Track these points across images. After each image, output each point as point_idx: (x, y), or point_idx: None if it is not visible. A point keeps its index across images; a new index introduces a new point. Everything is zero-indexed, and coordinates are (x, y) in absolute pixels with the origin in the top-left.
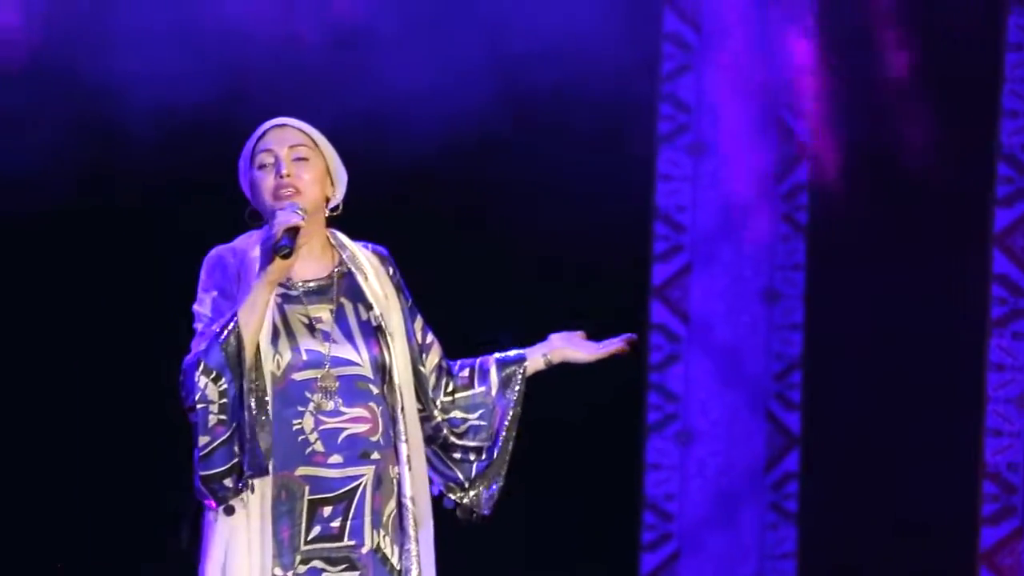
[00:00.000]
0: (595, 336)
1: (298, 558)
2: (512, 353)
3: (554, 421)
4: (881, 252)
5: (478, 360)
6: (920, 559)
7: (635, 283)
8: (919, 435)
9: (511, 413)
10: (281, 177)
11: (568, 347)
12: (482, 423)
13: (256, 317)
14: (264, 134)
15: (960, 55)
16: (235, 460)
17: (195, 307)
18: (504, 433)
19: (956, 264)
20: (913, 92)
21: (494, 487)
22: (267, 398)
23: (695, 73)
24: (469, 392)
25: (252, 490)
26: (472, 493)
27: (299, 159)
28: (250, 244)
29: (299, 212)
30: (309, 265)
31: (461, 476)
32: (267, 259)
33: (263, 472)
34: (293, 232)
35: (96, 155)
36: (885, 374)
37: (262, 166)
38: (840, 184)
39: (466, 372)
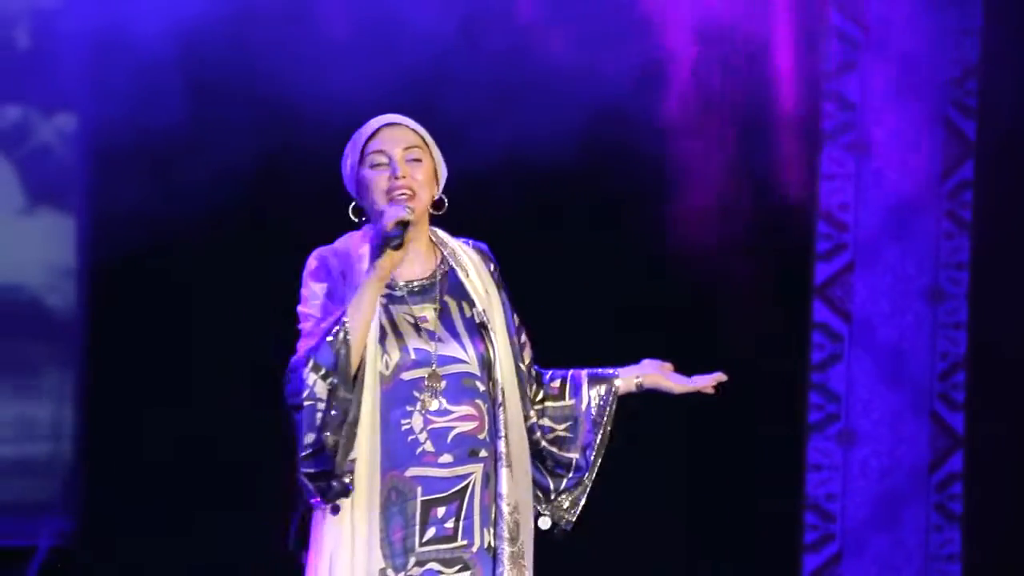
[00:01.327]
0: (758, 334)
1: (412, 560)
2: (604, 370)
3: (715, 421)
4: None
5: (570, 372)
6: None
7: (797, 282)
8: None
9: (600, 432)
10: (397, 179)
11: (660, 375)
12: (569, 435)
13: (364, 314)
14: (376, 133)
15: None
16: (338, 460)
17: (300, 308)
18: (594, 451)
19: None
20: None
21: (580, 504)
22: (361, 401)
23: (859, 71)
24: (559, 403)
25: (352, 488)
26: (556, 506)
27: (413, 160)
28: (351, 245)
29: (408, 208)
30: (413, 265)
31: (552, 486)
32: (376, 254)
33: (346, 472)
34: (403, 225)
35: (274, 165)
36: None
37: (375, 165)
38: (1007, 181)
39: (557, 383)
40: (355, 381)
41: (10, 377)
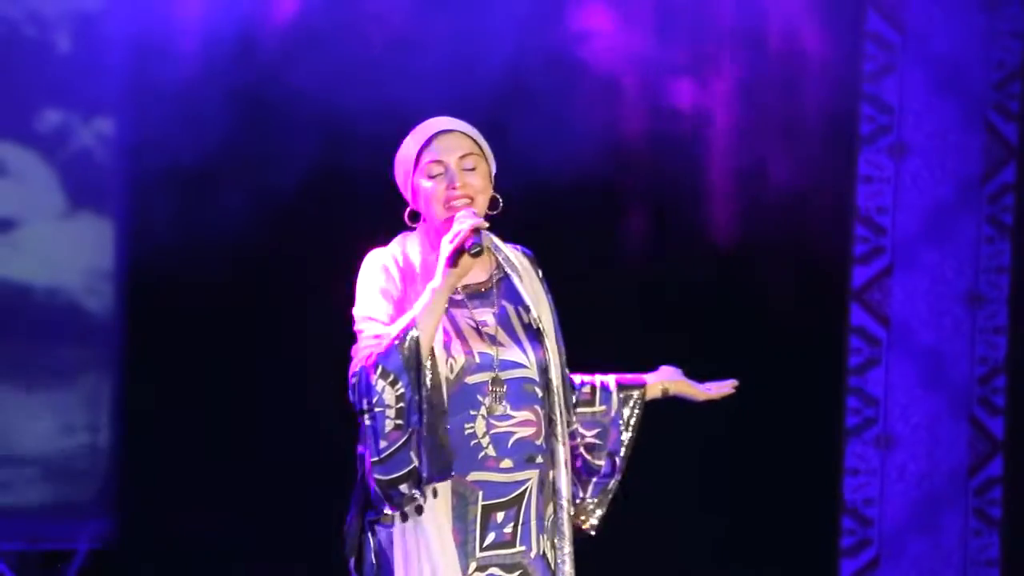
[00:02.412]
0: (795, 338)
1: (473, 565)
2: (631, 376)
3: (753, 425)
4: None
5: (598, 378)
6: None
7: (835, 285)
8: None
9: (626, 438)
10: (454, 189)
11: (686, 383)
12: (598, 442)
13: (434, 320)
14: (431, 141)
15: None
16: (412, 465)
17: (356, 311)
18: (620, 458)
19: None
20: None
21: (603, 509)
22: (444, 402)
23: (898, 74)
24: (590, 409)
25: (436, 494)
26: (581, 509)
27: (469, 168)
28: (407, 247)
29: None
30: (472, 270)
31: (579, 491)
32: (452, 261)
33: (447, 476)
34: (478, 232)
35: (314, 172)
36: None
37: (432, 176)
38: None
39: (587, 388)
40: (424, 388)
41: (48, 380)
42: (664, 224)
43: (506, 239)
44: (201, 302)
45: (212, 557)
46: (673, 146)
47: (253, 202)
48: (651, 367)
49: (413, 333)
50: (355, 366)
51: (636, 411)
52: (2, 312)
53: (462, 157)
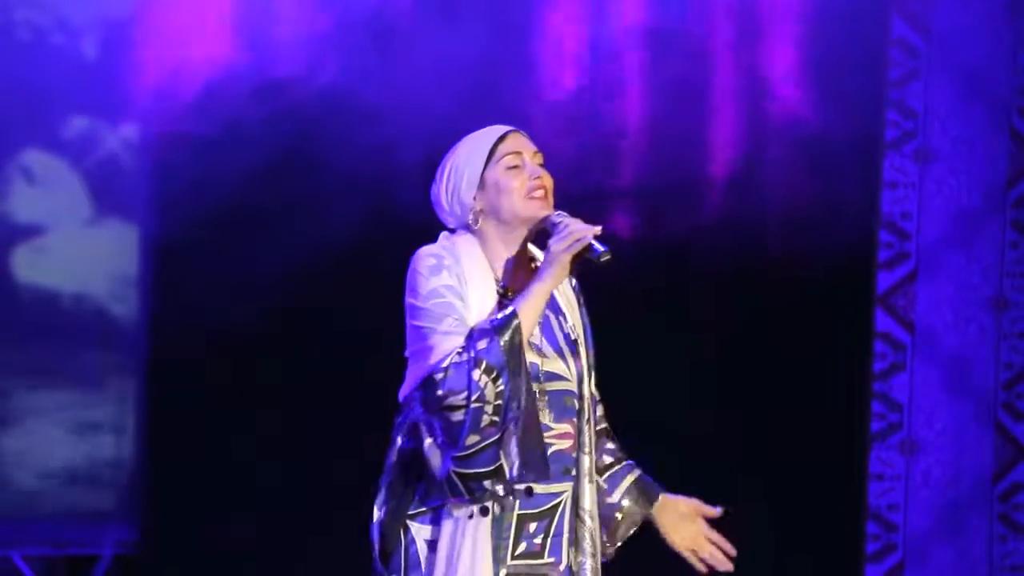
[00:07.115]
0: (820, 343)
1: (504, 572)
2: (651, 487)
3: (778, 430)
4: None
5: (625, 462)
6: None
7: (859, 291)
8: None
9: (611, 543)
10: (537, 178)
11: (674, 528)
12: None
13: (535, 317)
14: (506, 136)
15: None
16: (499, 463)
17: (417, 303)
18: (610, 549)
19: None
20: None
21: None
22: (538, 401)
23: (923, 79)
24: (597, 477)
25: (530, 493)
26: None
27: (540, 164)
28: (459, 247)
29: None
30: (521, 276)
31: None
32: (568, 263)
33: (545, 475)
34: (600, 238)
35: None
36: None
37: (511, 167)
38: None
39: (608, 460)
40: (525, 383)
41: (74, 386)
42: (689, 229)
43: None
44: (226, 308)
45: (237, 563)
46: (698, 154)
47: (280, 208)
48: (673, 374)
49: (516, 328)
50: (440, 359)
51: (629, 528)
52: (29, 318)
53: (535, 153)
